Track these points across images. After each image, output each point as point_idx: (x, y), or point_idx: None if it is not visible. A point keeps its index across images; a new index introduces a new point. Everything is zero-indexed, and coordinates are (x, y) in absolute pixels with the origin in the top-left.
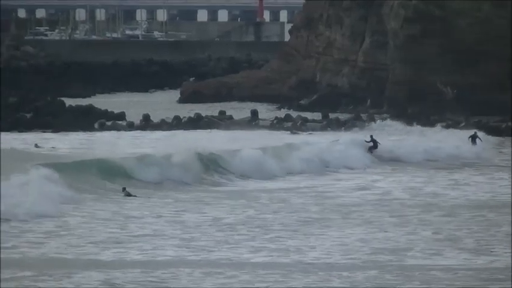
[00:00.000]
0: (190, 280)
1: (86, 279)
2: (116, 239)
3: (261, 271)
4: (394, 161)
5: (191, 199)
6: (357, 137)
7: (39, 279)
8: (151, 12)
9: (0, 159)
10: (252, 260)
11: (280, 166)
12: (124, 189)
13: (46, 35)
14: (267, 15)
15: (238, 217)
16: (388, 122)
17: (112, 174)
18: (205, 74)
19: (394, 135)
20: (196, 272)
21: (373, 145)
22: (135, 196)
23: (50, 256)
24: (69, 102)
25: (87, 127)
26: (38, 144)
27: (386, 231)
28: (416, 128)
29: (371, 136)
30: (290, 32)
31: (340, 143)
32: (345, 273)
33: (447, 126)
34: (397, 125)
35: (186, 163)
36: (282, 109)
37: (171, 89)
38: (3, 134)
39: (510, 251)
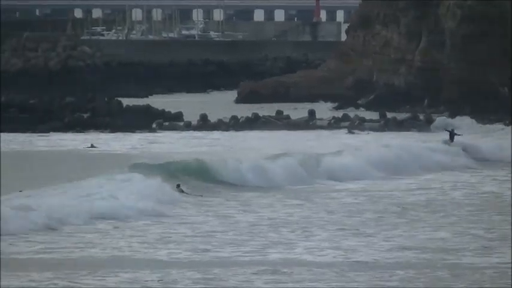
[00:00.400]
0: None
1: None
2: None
3: (316, 269)
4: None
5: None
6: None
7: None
8: (207, 12)
9: None
10: (307, 259)
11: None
12: (178, 185)
13: (103, 35)
14: (323, 15)
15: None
16: (449, 120)
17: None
18: (262, 74)
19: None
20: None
21: (450, 137)
22: (188, 194)
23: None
24: (126, 102)
25: (145, 127)
26: (94, 144)
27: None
28: (486, 126)
29: (452, 130)
30: (346, 31)
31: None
32: (399, 272)
33: (507, 125)
34: (465, 122)
35: (297, 165)
36: (339, 109)
37: (227, 89)
38: (61, 134)
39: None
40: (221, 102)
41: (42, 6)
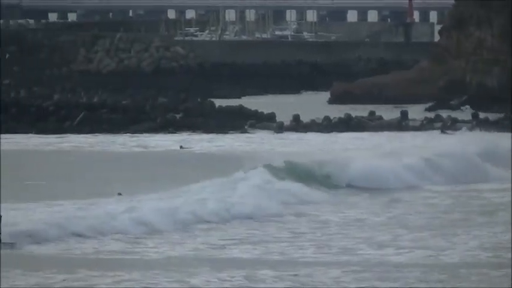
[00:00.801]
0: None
1: None
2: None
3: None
4: None
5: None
6: None
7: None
8: (301, 13)
9: None
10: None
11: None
12: None
13: (196, 36)
14: (416, 16)
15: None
16: None
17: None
18: (355, 75)
19: None
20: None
21: None
22: None
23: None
24: (218, 103)
25: (237, 128)
26: (183, 146)
27: None
28: None
29: None
30: (440, 32)
31: None
32: (484, 271)
33: None
34: None
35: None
36: (432, 110)
37: (320, 89)
38: (156, 135)
39: None
40: (314, 103)
41: (135, 7)
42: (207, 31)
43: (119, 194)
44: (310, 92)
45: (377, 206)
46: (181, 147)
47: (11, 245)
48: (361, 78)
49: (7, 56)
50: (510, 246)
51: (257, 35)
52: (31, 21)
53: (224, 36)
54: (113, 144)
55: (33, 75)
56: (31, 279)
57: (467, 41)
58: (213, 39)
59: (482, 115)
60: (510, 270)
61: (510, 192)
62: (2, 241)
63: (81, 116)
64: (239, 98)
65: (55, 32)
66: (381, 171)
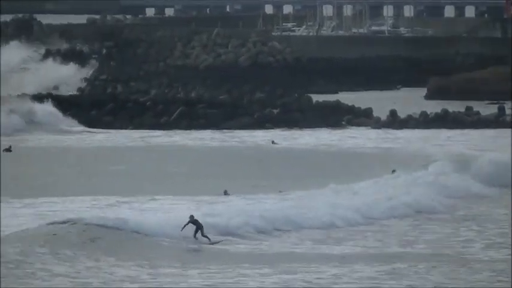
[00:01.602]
0: None
1: None
2: None
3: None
4: None
5: None
6: None
7: None
8: (398, 8)
9: None
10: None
11: None
12: None
13: (293, 31)
14: None
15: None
16: None
17: None
18: (452, 70)
19: None
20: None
21: None
22: None
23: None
24: (315, 98)
25: (334, 123)
26: (275, 141)
27: None
28: None
29: None
30: None
31: None
32: None
33: None
34: None
35: None
36: None
37: (417, 85)
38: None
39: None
40: (410, 98)
41: (233, 2)
42: (304, 26)
43: (225, 192)
44: (406, 88)
45: None
46: (273, 142)
47: (218, 243)
48: (458, 73)
49: (104, 51)
50: None
51: (354, 30)
52: (128, 16)
53: (321, 32)
54: (230, 139)
55: (130, 71)
56: None
57: None
58: (310, 34)
59: None
60: None
61: None
62: (212, 240)
63: (178, 111)
64: (336, 93)
65: (152, 28)
66: None
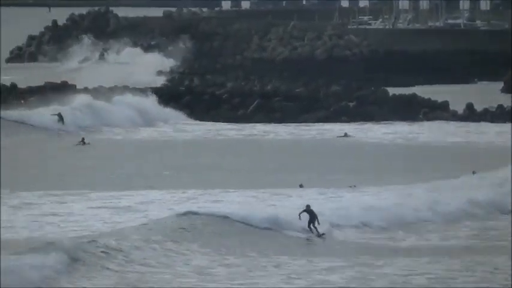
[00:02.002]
0: None
1: None
2: None
3: None
4: None
5: None
6: None
7: None
8: (474, 1)
9: None
10: None
11: None
12: None
13: (369, 24)
14: None
15: None
16: None
17: None
18: None
19: None
20: None
21: None
22: None
23: None
24: (392, 91)
25: (410, 117)
26: (348, 133)
27: None
28: None
29: None
30: None
31: None
32: None
33: None
34: None
35: None
36: None
37: (494, 78)
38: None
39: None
40: (487, 92)
41: None
42: (380, 19)
43: (301, 185)
44: (483, 81)
45: None
46: (345, 134)
47: (323, 235)
48: None
49: (180, 44)
50: None
51: (430, 23)
52: (205, 9)
53: (397, 25)
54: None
55: (206, 64)
56: None
57: None
58: (387, 27)
59: None
60: None
61: None
62: (321, 232)
63: (254, 104)
64: (412, 86)
65: (229, 20)
66: None
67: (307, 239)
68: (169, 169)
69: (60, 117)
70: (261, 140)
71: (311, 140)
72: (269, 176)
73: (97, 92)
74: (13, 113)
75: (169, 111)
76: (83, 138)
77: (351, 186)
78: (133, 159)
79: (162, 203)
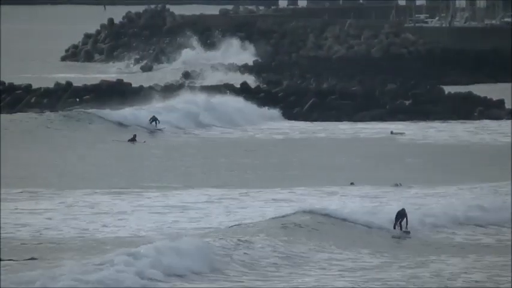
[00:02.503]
0: None
1: None
2: None
3: None
4: None
5: None
6: None
7: None
8: None
9: None
10: None
11: None
12: None
13: (426, 23)
14: None
15: None
16: None
17: None
18: None
19: None
20: None
21: None
22: None
23: None
24: (448, 89)
25: (466, 115)
26: (394, 131)
27: None
28: None
29: None
30: None
31: None
32: None
33: None
34: None
35: None
36: None
37: None
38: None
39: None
40: None
41: None
42: (437, 18)
43: (352, 183)
44: None
45: None
46: (391, 132)
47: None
48: None
49: (237, 42)
50: None
51: (486, 21)
52: (261, 7)
53: (454, 23)
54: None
55: (262, 61)
56: None
57: None
58: (443, 25)
59: None
60: None
61: None
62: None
63: (310, 102)
64: (468, 84)
65: (285, 19)
66: None
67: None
68: (280, 168)
69: (154, 119)
70: (318, 138)
71: (364, 139)
72: (361, 174)
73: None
74: (115, 113)
75: (264, 111)
76: (135, 135)
77: (397, 184)
78: (245, 157)
79: (280, 201)
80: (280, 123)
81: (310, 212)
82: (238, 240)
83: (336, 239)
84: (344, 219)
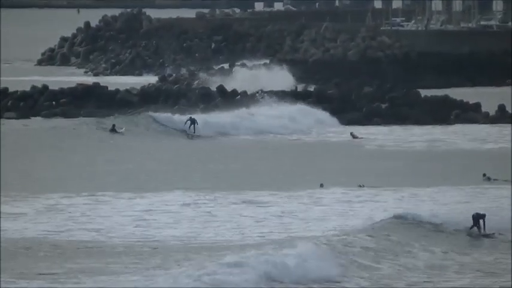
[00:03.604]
0: None
1: None
2: None
3: None
4: None
5: None
6: None
7: None
8: (507, 2)
9: None
10: None
11: None
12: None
13: (402, 26)
14: None
15: None
16: None
17: None
18: None
19: None
20: None
21: None
22: None
23: None
24: (424, 93)
25: (442, 118)
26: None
27: None
28: None
29: None
30: None
31: None
32: None
33: None
34: None
35: None
36: None
37: None
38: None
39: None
40: None
41: None
42: (413, 21)
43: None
44: None
45: None
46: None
47: (491, 235)
48: None
49: (213, 45)
50: None
51: (463, 24)
52: (237, 10)
53: (430, 26)
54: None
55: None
56: None
57: None
58: (419, 29)
59: None
60: None
61: None
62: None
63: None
64: (445, 88)
65: (262, 22)
66: None
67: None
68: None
69: (192, 122)
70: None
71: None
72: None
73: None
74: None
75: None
76: (114, 125)
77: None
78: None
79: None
80: None
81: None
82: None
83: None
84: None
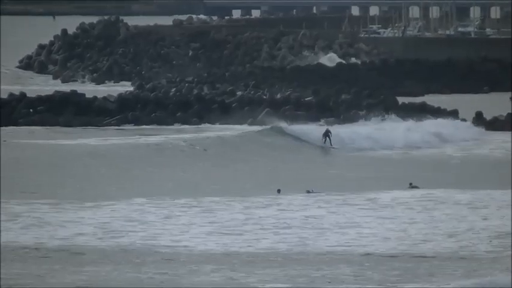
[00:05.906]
0: None
1: None
2: None
3: None
4: None
5: None
6: None
7: None
8: (484, 9)
9: None
10: None
11: None
12: None
13: (379, 33)
14: None
15: None
16: None
17: None
18: None
19: None
20: None
21: None
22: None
23: None
24: (402, 100)
25: None
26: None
27: None
28: None
29: None
30: None
31: None
32: None
33: None
34: None
35: None
36: None
37: (504, 87)
38: None
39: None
40: (497, 100)
41: (319, 3)
42: (390, 28)
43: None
44: (493, 90)
45: None
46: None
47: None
48: None
49: (190, 53)
50: None
51: (440, 31)
52: (215, 18)
53: (407, 33)
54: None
55: (216, 72)
56: None
57: None
58: (396, 35)
59: None
60: None
61: None
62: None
63: (264, 112)
64: (423, 95)
65: (239, 29)
66: None
67: None
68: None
69: (326, 134)
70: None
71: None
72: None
73: None
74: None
75: None
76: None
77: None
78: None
79: None
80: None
81: None
82: None
83: None
84: None
